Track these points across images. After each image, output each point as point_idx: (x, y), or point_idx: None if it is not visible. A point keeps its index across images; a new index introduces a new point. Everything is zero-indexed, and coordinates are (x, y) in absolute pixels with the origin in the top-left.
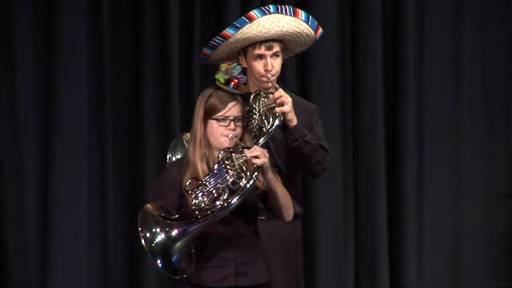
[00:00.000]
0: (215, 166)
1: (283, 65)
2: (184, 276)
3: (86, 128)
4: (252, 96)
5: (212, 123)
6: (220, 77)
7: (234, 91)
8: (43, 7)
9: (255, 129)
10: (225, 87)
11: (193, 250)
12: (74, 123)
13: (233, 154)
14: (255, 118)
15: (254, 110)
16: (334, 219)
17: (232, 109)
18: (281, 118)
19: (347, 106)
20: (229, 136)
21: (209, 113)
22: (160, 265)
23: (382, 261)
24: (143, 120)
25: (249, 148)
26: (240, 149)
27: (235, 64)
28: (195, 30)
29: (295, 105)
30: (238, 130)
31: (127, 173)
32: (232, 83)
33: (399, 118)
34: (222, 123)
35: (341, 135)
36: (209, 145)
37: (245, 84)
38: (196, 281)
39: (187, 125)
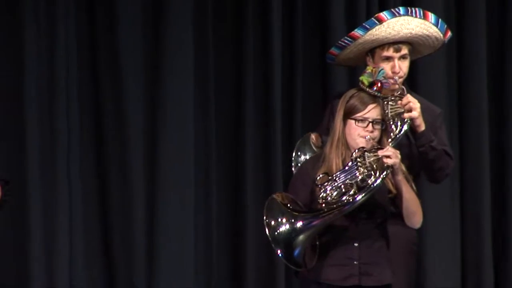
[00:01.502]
0: (348, 164)
1: None
2: (305, 268)
3: (192, 129)
4: (380, 100)
5: (351, 123)
6: (364, 79)
7: (376, 94)
8: (151, 8)
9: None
10: (368, 89)
11: (317, 243)
12: (180, 124)
13: (365, 153)
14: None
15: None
16: (440, 221)
17: (372, 111)
18: (410, 123)
19: (453, 110)
20: (366, 137)
21: (349, 113)
22: (280, 254)
23: (487, 262)
24: (244, 122)
25: (382, 148)
26: (374, 149)
27: (381, 68)
28: (297, 32)
29: (420, 108)
30: (376, 133)
31: (230, 173)
32: (375, 86)
33: (504, 121)
34: (360, 124)
35: (447, 131)
36: (346, 145)
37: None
38: (319, 279)
39: (287, 128)
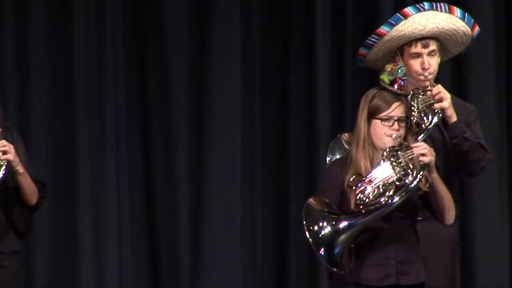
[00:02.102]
0: (380, 163)
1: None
2: (342, 271)
3: (239, 131)
4: (410, 94)
5: (376, 123)
6: (385, 77)
7: (399, 91)
8: (197, 11)
9: (413, 127)
10: (390, 88)
11: (353, 246)
12: (227, 125)
13: (399, 152)
14: (414, 116)
15: (412, 108)
16: (488, 222)
17: (396, 110)
18: (440, 114)
19: (503, 112)
20: (393, 136)
21: (373, 113)
22: (322, 253)
23: None
24: (290, 126)
25: (414, 146)
26: (405, 147)
27: (400, 65)
28: (347, 32)
29: (453, 105)
30: (402, 131)
31: (275, 177)
32: (396, 84)
33: None
34: (385, 123)
35: (496, 134)
36: (372, 145)
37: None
38: (356, 280)
39: (335, 131)
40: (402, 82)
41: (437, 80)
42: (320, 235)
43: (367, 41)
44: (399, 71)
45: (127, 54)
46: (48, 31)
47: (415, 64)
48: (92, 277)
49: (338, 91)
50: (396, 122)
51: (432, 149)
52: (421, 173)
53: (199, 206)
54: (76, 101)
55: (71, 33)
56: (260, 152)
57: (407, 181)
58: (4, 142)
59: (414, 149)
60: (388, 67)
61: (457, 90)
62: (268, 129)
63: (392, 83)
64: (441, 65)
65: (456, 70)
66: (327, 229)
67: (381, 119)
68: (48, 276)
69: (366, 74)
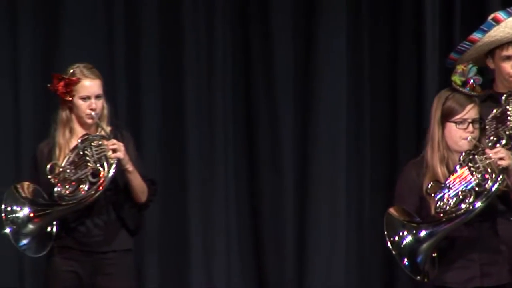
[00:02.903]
0: (457, 168)
1: None
2: (426, 279)
3: (344, 135)
4: (504, 97)
5: (450, 126)
6: (457, 79)
7: (471, 93)
8: (303, 13)
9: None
10: (462, 89)
11: (435, 254)
12: (332, 128)
13: (475, 156)
14: (510, 120)
15: (508, 112)
16: None
17: (470, 112)
18: None
19: None
20: (468, 138)
21: (447, 116)
22: (406, 263)
23: None
24: (398, 131)
25: (489, 149)
26: (482, 151)
27: (471, 65)
28: (455, 36)
29: None
30: (476, 133)
31: (383, 178)
32: (468, 85)
33: None
34: (460, 126)
35: None
36: (447, 148)
37: (480, 85)
38: (440, 283)
39: None
40: (473, 83)
41: None
42: (402, 245)
43: (459, 47)
44: (470, 71)
45: (234, 56)
46: (158, 35)
47: (507, 66)
48: (202, 277)
49: None
50: (470, 124)
51: (509, 152)
52: (501, 176)
53: (304, 208)
54: (186, 107)
55: (181, 38)
56: (368, 158)
57: (486, 186)
58: (114, 140)
59: (491, 153)
60: (459, 68)
61: None
62: (375, 135)
63: (464, 84)
64: None
65: None
66: (408, 238)
67: (455, 122)
68: (159, 275)
69: None
